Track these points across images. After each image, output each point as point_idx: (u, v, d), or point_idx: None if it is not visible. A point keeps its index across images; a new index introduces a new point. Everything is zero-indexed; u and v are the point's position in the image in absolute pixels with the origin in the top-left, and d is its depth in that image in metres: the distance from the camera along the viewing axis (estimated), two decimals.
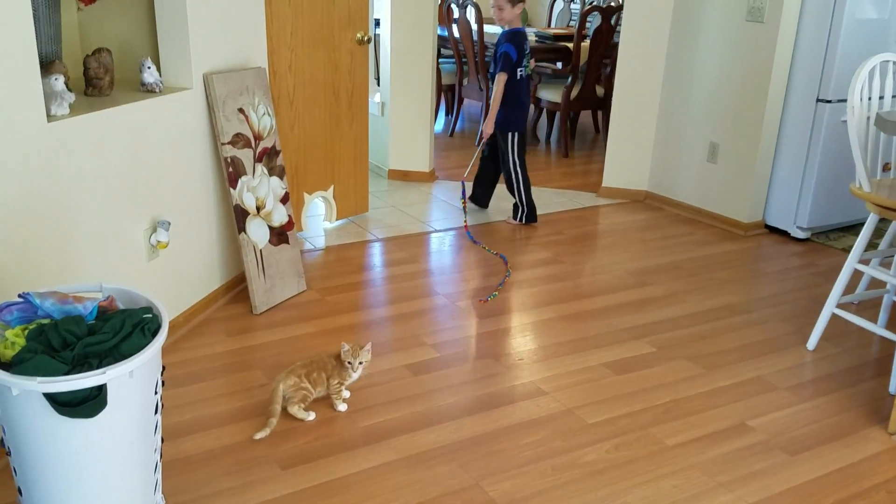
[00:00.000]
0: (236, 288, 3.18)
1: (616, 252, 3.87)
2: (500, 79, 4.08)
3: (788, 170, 4.05)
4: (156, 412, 1.64)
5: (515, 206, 4.28)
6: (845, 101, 3.23)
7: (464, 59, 6.16)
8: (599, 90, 5.83)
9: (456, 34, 6.02)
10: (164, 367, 1.69)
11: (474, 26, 5.79)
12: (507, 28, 4.13)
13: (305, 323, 2.96)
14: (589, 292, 3.36)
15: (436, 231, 4.07)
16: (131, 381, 1.52)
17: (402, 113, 4.84)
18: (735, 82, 4.08)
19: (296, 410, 2.32)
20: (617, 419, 2.41)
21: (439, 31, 6.34)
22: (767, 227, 4.24)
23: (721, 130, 4.21)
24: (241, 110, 2.94)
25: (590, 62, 5.59)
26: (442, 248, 3.84)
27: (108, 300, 1.64)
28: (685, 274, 3.61)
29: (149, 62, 2.64)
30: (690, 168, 4.42)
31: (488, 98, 5.87)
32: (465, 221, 4.15)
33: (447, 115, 6.92)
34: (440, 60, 7.26)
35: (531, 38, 6.10)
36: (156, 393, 1.63)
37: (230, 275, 3.14)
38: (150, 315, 1.62)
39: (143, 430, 1.60)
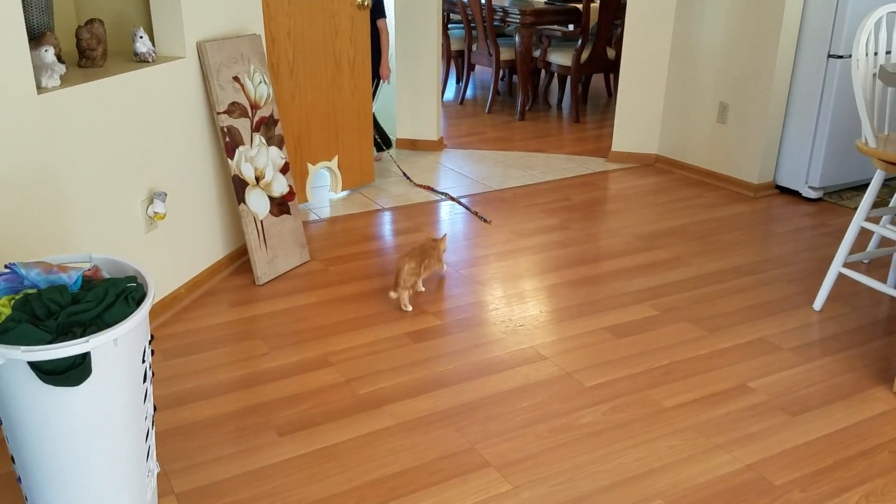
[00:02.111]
0: (240, 259, 3.19)
1: (623, 217, 3.83)
2: (385, 24, 4.42)
3: (799, 128, 3.96)
4: (144, 380, 1.66)
5: (376, 141, 4.53)
6: None
7: (472, 25, 6.08)
8: (611, 52, 5.73)
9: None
10: (152, 336, 1.70)
11: None
12: None
13: (308, 293, 2.97)
14: (594, 258, 3.33)
15: (443, 200, 4.04)
16: (116, 349, 1.53)
17: (409, 80, 4.79)
18: (744, 39, 3.99)
19: (405, 297, 2.78)
20: (615, 382, 2.39)
21: None
22: (778, 187, 4.16)
23: (731, 90, 4.12)
24: (236, 78, 2.93)
25: (600, 23, 5.49)
26: (448, 216, 3.82)
27: (92, 270, 1.65)
28: (693, 237, 3.57)
29: (141, 32, 2.63)
30: (700, 130, 4.35)
31: (498, 62, 5.81)
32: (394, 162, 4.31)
33: (457, 82, 6.85)
34: (450, 26, 7.19)
35: (539, 1, 6.00)
36: (143, 361, 1.64)
37: (233, 246, 3.15)
38: (135, 284, 1.62)
39: (131, 398, 1.62)
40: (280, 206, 3.11)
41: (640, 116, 4.61)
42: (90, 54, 2.58)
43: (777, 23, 3.80)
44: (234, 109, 2.91)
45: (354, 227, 3.65)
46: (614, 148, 4.73)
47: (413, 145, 4.94)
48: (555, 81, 6.99)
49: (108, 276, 1.70)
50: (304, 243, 3.23)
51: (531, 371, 2.45)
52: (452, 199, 3.78)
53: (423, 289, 2.96)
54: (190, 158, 2.83)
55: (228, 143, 2.88)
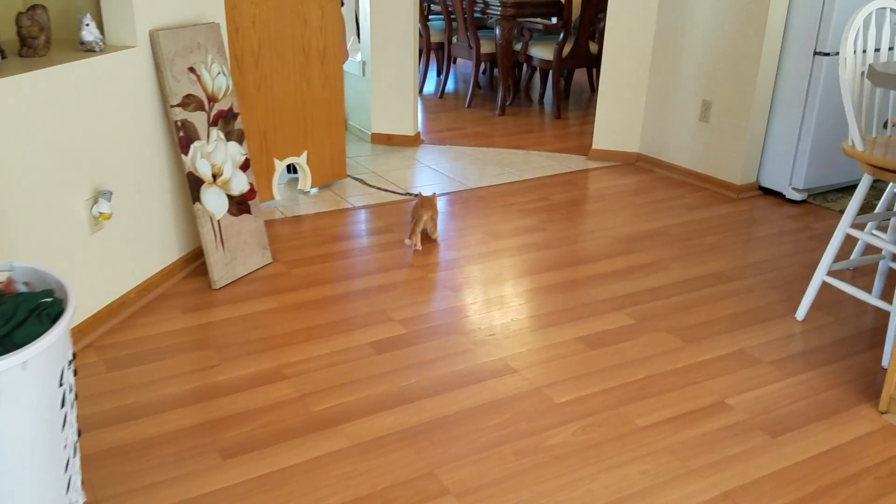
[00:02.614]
0: (196, 261, 3.03)
1: (602, 218, 3.69)
2: (339, 7, 4.20)
3: (784, 128, 3.84)
4: (63, 405, 1.50)
5: None
6: None
7: (452, 16, 5.91)
8: (593, 47, 5.59)
9: None
10: (74, 355, 1.54)
11: None
12: None
13: (267, 298, 2.81)
14: (570, 261, 3.20)
15: (416, 198, 3.89)
16: (25, 373, 1.38)
17: (384, 73, 4.63)
18: (728, 35, 3.86)
19: (435, 232, 3.36)
20: (587, 398, 2.26)
21: None
22: (762, 188, 4.04)
23: (714, 87, 3.99)
24: (192, 69, 2.76)
25: (583, 17, 5.34)
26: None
27: (5, 283, 1.49)
28: (673, 240, 3.44)
29: (88, 19, 2.46)
30: (683, 128, 4.22)
31: (479, 55, 5.65)
32: None
33: (438, 75, 6.69)
34: (431, 17, 7.02)
35: None
36: (62, 384, 1.49)
37: (189, 247, 2.99)
38: (52, 299, 1.47)
39: (45, 426, 1.46)
40: (239, 205, 2.95)
41: (621, 114, 4.48)
42: (31, 43, 2.41)
43: (762, 18, 3.67)
44: (190, 102, 2.74)
45: (322, 227, 3.49)
46: (595, 146, 4.59)
47: (388, 140, 4.78)
48: (537, 76, 6.85)
49: (23, 289, 1.54)
50: (265, 244, 3.07)
51: (499, 385, 2.31)
52: (367, 184, 3.74)
53: (436, 235, 3.38)
54: (141, 154, 2.66)
55: (182, 138, 2.72)
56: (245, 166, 2.98)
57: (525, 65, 6.35)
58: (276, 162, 3.69)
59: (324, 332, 2.58)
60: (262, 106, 3.54)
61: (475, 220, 3.61)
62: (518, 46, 5.66)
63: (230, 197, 2.91)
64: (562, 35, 5.38)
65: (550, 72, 5.91)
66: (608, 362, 2.45)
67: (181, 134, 2.71)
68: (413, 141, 4.77)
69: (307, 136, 3.80)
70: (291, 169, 4.13)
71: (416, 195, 3.79)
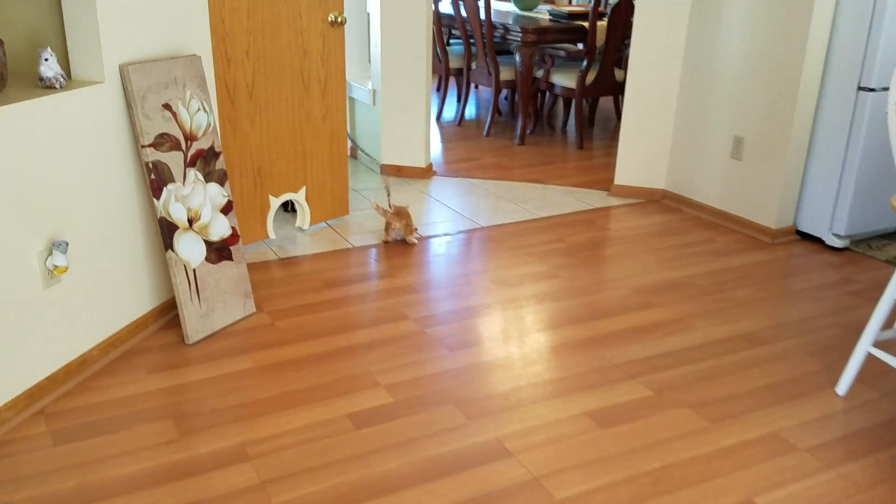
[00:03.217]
0: (172, 311, 2.79)
1: (621, 264, 3.38)
2: None
3: (824, 168, 3.51)
4: None
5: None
6: None
7: (472, 42, 5.67)
8: (619, 74, 5.29)
9: (463, 13, 5.53)
10: None
11: (481, 4, 5.30)
12: None
13: (244, 356, 2.55)
14: (582, 316, 2.90)
15: (422, 237, 3.62)
16: None
17: (395, 101, 4.39)
18: (764, 66, 3.54)
19: (410, 238, 3.53)
20: (592, 493, 1.96)
21: (449, 11, 5.86)
22: (799, 233, 3.70)
23: (747, 122, 3.67)
24: (167, 106, 2.53)
25: (608, 43, 5.06)
26: (425, 259, 3.40)
27: None
28: (699, 292, 3.12)
29: (47, 53, 2.24)
30: (713, 165, 3.90)
31: (498, 82, 5.40)
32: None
33: (458, 101, 6.44)
34: (452, 41, 6.79)
35: (544, 17, 5.59)
36: None
37: (165, 296, 2.75)
38: None
39: None
40: (219, 251, 2.71)
41: (646, 147, 4.18)
42: None
43: (801, 48, 3.36)
44: (164, 142, 2.51)
45: (316, 270, 3.23)
46: (617, 181, 4.29)
47: (398, 172, 4.53)
48: (560, 102, 6.57)
49: None
50: (248, 293, 2.82)
51: (491, 474, 2.02)
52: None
53: (415, 241, 3.54)
54: (108, 199, 2.43)
55: (154, 181, 2.48)
56: (227, 209, 2.74)
57: (547, 92, 6.08)
58: (272, 199, 3.45)
59: (300, 400, 2.32)
60: (257, 140, 3.31)
61: (482, 264, 3.33)
62: (539, 73, 5.39)
63: (208, 243, 2.67)
64: (585, 62, 5.10)
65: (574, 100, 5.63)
66: (619, 446, 2.14)
67: (152, 176, 2.48)
68: (424, 173, 4.51)
69: (306, 172, 3.57)
70: (290, 206, 3.90)
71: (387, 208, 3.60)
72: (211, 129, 2.68)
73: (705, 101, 3.88)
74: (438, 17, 5.68)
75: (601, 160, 4.99)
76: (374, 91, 4.46)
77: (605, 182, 4.52)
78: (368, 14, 4.55)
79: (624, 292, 3.11)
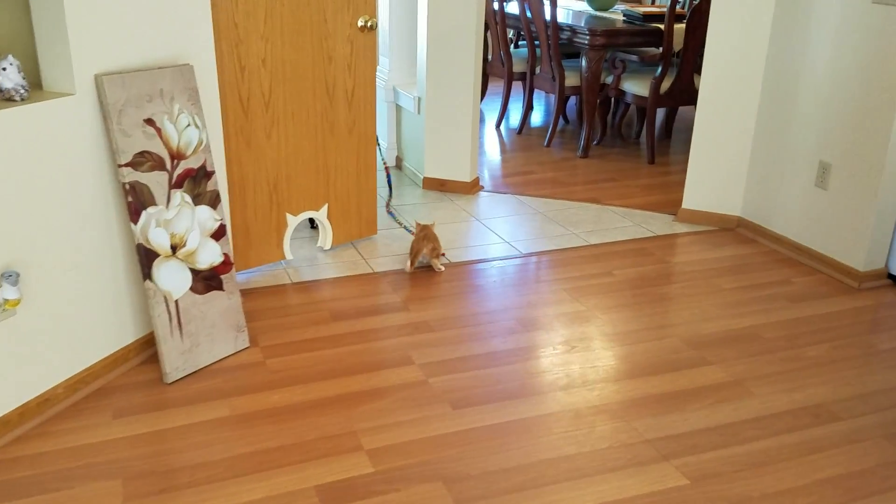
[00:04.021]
0: (155, 345, 2.55)
1: (676, 307, 2.95)
2: None
3: None
4: None
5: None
6: None
7: (537, 43, 5.27)
8: (699, 81, 4.78)
9: (529, 13, 5.14)
10: None
11: (546, 4, 4.90)
12: None
13: (221, 402, 2.28)
14: (617, 373, 2.49)
15: (451, 264, 3.28)
16: None
17: (440, 111, 4.06)
18: (856, 84, 3.02)
19: (436, 263, 3.21)
20: None
21: (514, 11, 5.48)
22: (892, 277, 3.16)
23: (835, 146, 3.16)
24: (149, 122, 2.28)
25: (686, 47, 4.57)
26: (449, 290, 3.06)
27: None
28: (764, 348, 2.66)
29: (8, 61, 2.02)
30: (794, 193, 3.39)
31: (563, 89, 4.98)
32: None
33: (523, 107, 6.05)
34: (522, 43, 6.40)
35: (618, 17, 5.14)
36: None
37: (149, 327, 2.51)
38: None
39: None
40: (208, 280, 2.45)
41: (720, 169, 3.69)
42: None
43: None
44: (144, 161, 2.26)
45: (326, 299, 2.94)
46: (686, 205, 3.82)
47: (442, 186, 4.19)
48: (634, 110, 6.08)
49: None
50: (241, 325, 2.55)
51: None
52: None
53: (442, 268, 3.23)
54: (79, 224, 2.20)
55: (132, 204, 2.24)
56: (219, 234, 2.48)
57: (616, 100, 5.62)
58: (290, 217, 3.18)
59: (269, 462, 2.02)
60: (273, 154, 3.05)
61: (512, 300, 2.96)
62: (609, 79, 4.95)
63: (196, 271, 2.41)
64: (660, 68, 4.62)
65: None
66: None
67: (129, 199, 2.23)
68: (469, 188, 4.16)
69: (329, 188, 3.28)
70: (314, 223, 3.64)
71: (414, 228, 3.30)
72: (203, 146, 2.42)
73: (788, 120, 3.37)
74: (503, 17, 5.31)
75: (673, 178, 4.51)
76: (419, 99, 4.14)
77: (673, 205, 4.05)
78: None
79: (674, 344, 2.68)
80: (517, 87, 6.63)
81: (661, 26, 4.72)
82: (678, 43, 4.65)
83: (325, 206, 3.29)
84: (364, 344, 2.63)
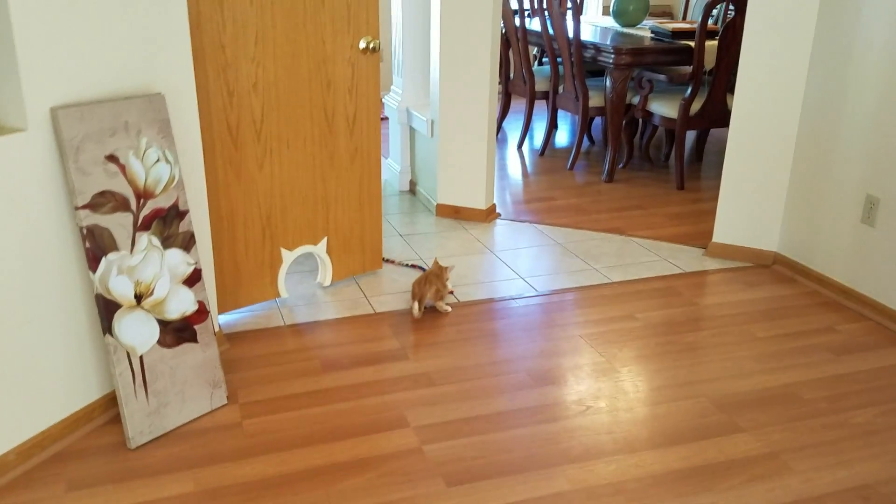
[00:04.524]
0: None
1: (705, 360, 2.65)
2: None
3: None
4: None
5: None
6: None
7: (560, 61, 5.00)
8: (732, 102, 4.47)
9: (551, 31, 4.87)
10: None
11: (570, 20, 4.63)
12: None
13: (187, 473, 2.04)
14: (632, 442, 2.20)
15: (459, 304, 3.02)
16: None
17: (454, 134, 3.81)
18: None
19: (441, 305, 2.95)
20: None
21: (537, 28, 5.22)
22: None
23: (884, 179, 2.84)
24: (112, 158, 2.05)
25: (719, 66, 4.26)
26: (454, 335, 2.80)
27: None
28: (805, 411, 2.35)
29: None
30: (838, 229, 3.07)
31: (586, 109, 4.71)
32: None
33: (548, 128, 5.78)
34: (546, 59, 6.13)
35: (646, 34, 4.85)
36: None
37: (112, 386, 2.28)
38: None
39: None
40: (179, 332, 2.21)
41: (754, 198, 3.38)
42: None
43: None
44: (104, 202, 2.04)
45: (319, 345, 2.69)
46: (716, 238, 3.52)
47: (456, 213, 3.94)
48: (663, 131, 5.77)
49: None
50: (217, 381, 2.31)
51: None
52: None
53: (448, 309, 2.97)
54: (31, 273, 1.98)
55: (90, 250, 2.01)
56: (193, 279, 2.24)
57: (643, 122, 5.32)
58: (285, 252, 2.95)
59: None
60: (266, 186, 2.82)
61: (523, 348, 2.68)
62: (635, 100, 4.65)
63: (164, 322, 2.18)
64: (690, 88, 4.32)
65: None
66: None
67: (87, 244, 2.01)
68: (485, 216, 3.90)
69: (328, 220, 3.04)
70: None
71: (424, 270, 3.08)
72: (175, 183, 2.19)
73: (831, 147, 3.06)
74: (525, 34, 5.05)
75: (704, 206, 4.20)
76: (432, 121, 3.89)
77: (703, 236, 3.75)
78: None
79: (701, 405, 2.38)
80: (541, 106, 6.37)
81: (692, 44, 4.42)
82: (710, 61, 4.34)
83: (324, 240, 3.05)
84: (355, 401, 2.37)
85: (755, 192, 3.36)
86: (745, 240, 3.45)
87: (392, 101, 4.30)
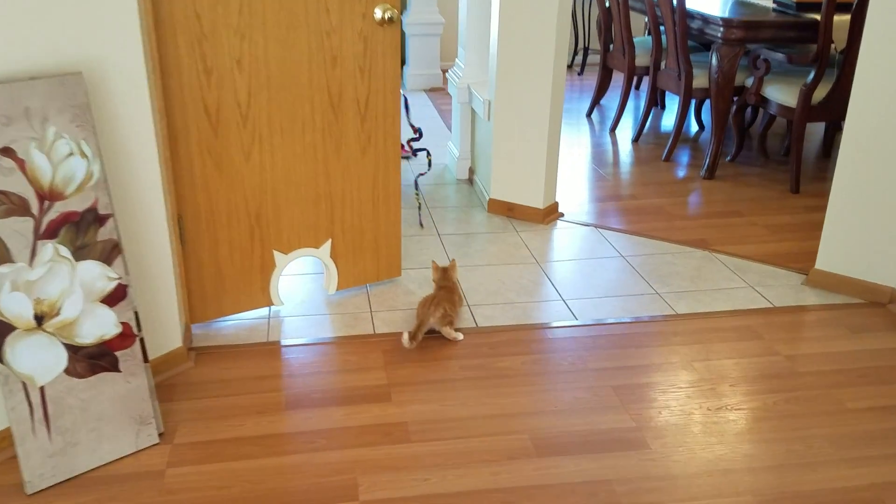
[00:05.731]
0: None
1: (768, 436, 2.02)
2: None
3: None
4: None
5: None
6: None
7: (663, 30, 4.29)
8: None
9: None
10: None
11: None
12: None
13: None
14: None
15: (474, 330, 2.52)
16: None
17: (511, 119, 3.27)
18: None
19: (449, 332, 2.44)
20: None
21: None
22: None
23: None
24: (6, 151, 1.71)
25: (850, 48, 3.45)
26: (457, 372, 2.31)
27: None
28: None
29: None
30: None
31: (689, 90, 4.01)
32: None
33: (655, 106, 5.07)
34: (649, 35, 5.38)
35: (769, 5, 4.06)
36: None
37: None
38: None
39: None
40: (94, 359, 1.86)
41: (872, 218, 2.65)
42: None
43: None
44: None
45: (291, 373, 2.28)
46: (820, 264, 2.81)
47: (509, 211, 3.41)
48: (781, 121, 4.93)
49: None
50: (146, 417, 1.95)
51: None
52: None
53: (459, 337, 2.48)
54: None
55: None
56: (116, 297, 1.88)
57: (753, 109, 4.52)
58: (278, 256, 2.55)
59: None
60: (255, 179, 2.42)
61: (536, 398, 2.16)
62: (749, 82, 3.90)
63: (75, 348, 1.83)
64: (814, 71, 3.53)
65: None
66: None
67: None
68: (542, 216, 3.34)
69: (333, 220, 2.61)
70: None
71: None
72: (93, 182, 1.82)
73: None
74: (626, 0, 4.37)
75: (820, 216, 3.43)
76: (489, 102, 3.36)
77: (809, 257, 3.03)
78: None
79: (743, 503, 1.78)
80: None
81: (817, 16, 3.61)
82: (840, 39, 3.53)
83: (328, 243, 2.63)
84: (306, 454, 1.95)
85: (874, 209, 2.63)
86: (857, 270, 2.73)
87: (454, 77, 3.79)
